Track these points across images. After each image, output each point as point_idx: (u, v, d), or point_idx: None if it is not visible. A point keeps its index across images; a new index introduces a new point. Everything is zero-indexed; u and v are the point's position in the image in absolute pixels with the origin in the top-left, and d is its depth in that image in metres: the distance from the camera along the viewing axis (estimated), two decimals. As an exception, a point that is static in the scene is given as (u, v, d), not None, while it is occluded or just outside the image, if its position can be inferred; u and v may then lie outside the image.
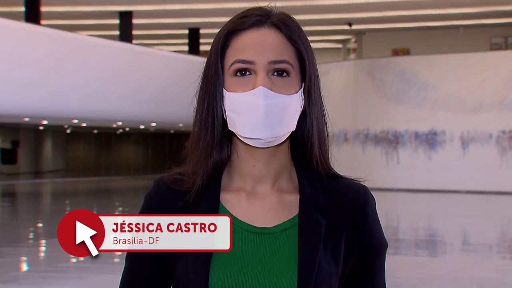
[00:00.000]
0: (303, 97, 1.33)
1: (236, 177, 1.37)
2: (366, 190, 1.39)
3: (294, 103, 1.30)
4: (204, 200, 1.34)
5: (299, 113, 1.32)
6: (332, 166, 1.40)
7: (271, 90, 1.27)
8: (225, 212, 1.34)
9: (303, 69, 1.33)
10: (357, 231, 1.36)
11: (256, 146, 1.31)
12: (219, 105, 1.33)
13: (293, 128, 1.32)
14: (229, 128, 1.32)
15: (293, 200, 1.36)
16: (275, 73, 1.29)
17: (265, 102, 1.26)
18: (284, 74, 1.29)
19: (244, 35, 1.31)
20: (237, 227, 1.33)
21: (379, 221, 1.41)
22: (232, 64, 1.30)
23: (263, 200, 1.35)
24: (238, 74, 1.30)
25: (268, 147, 1.33)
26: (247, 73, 1.29)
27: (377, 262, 1.39)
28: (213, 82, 1.33)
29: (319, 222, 1.33)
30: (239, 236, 1.32)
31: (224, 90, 1.32)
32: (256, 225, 1.33)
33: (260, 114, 1.26)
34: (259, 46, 1.29)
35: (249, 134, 1.29)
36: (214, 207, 1.34)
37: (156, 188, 1.39)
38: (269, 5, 1.36)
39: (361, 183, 1.40)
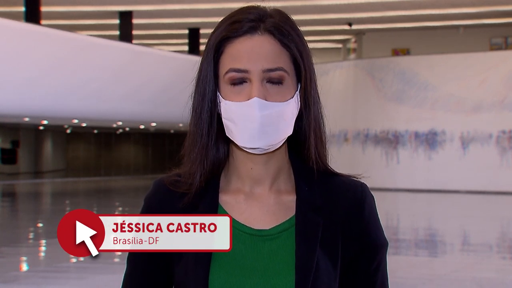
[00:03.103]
0: (299, 99, 1.32)
1: (234, 178, 1.37)
2: (364, 188, 1.38)
3: (290, 109, 1.29)
4: (203, 202, 1.34)
5: (296, 116, 1.32)
6: (329, 165, 1.39)
7: (266, 99, 1.26)
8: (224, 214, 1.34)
9: (298, 72, 1.32)
10: (354, 229, 1.35)
11: (253, 153, 1.31)
12: (213, 109, 1.33)
13: (290, 132, 1.32)
14: (227, 135, 1.32)
15: (291, 200, 1.36)
16: (271, 81, 1.28)
17: (261, 113, 1.26)
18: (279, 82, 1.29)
19: (237, 43, 1.30)
20: (235, 229, 1.33)
21: (378, 219, 1.39)
22: (227, 72, 1.29)
23: (261, 202, 1.35)
24: (234, 82, 1.29)
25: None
26: (243, 81, 1.29)
27: (376, 260, 1.37)
28: (208, 86, 1.33)
29: (316, 221, 1.32)
30: (238, 238, 1.32)
31: (220, 97, 1.31)
32: (254, 227, 1.33)
33: (255, 125, 1.26)
34: (253, 54, 1.28)
35: (246, 144, 1.29)
36: (213, 209, 1.34)
37: (155, 190, 1.39)
38: (263, 4, 1.35)
39: (360, 180, 1.40)
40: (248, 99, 1.26)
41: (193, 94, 1.36)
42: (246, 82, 1.28)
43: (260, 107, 1.26)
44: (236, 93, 1.29)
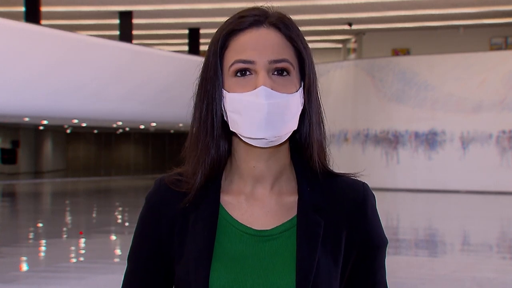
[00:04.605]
0: (302, 95, 1.33)
1: (236, 178, 1.37)
2: (365, 187, 1.39)
3: (295, 102, 1.30)
4: (204, 202, 1.34)
5: (300, 112, 1.32)
6: (328, 165, 1.39)
7: (272, 89, 1.27)
8: (225, 214, 1.35)
9: (302, 68, 1.33)
10: (357, 228, 1.36)
11: (259, 146, 1.31)
12: (218, 107, 1.32)
13: (295, 127, 1.32)
14: (231, 129, 1.32)
15: (292, 201, 1.36)
16: (276, 72, 1.29)
17: (267, 101, 1.26)
18: (285, 73, 1.29)
19: (243, 35, 1.31)
20: (236, 229, 1.33)
21: (379, 218, 1.41)
22: (232, 64, 1.29)
23: (262, 202, 1.36)
24: (239, 74, 1.29)
25: (268, 147, 1.32)
26: (248, 73, 1.29)
27: (378, 259, 1.39)
28: (213, 83, 1.32)
29: (318, 222, 1.33)
30: (239, 239, 1.33)
31: (224, 91, 1.31)
32: (255, 228, 1.34)
33: (262, 114, 1.26)
34: (259, 45, 1.29)
35: (252, 134, 1.28)
36: (214, 209, 1.34)
37: (156, 189, 1.39)
38: (266, 5, 1.36)
39: (361, 180, 1.41)
40: (254, 89, 1.27)
41: (195, 92, 1.36)
42: (252, 74, 1.29)
43: (267, 95, 1.26)
44: (241, 85, 1.29)
